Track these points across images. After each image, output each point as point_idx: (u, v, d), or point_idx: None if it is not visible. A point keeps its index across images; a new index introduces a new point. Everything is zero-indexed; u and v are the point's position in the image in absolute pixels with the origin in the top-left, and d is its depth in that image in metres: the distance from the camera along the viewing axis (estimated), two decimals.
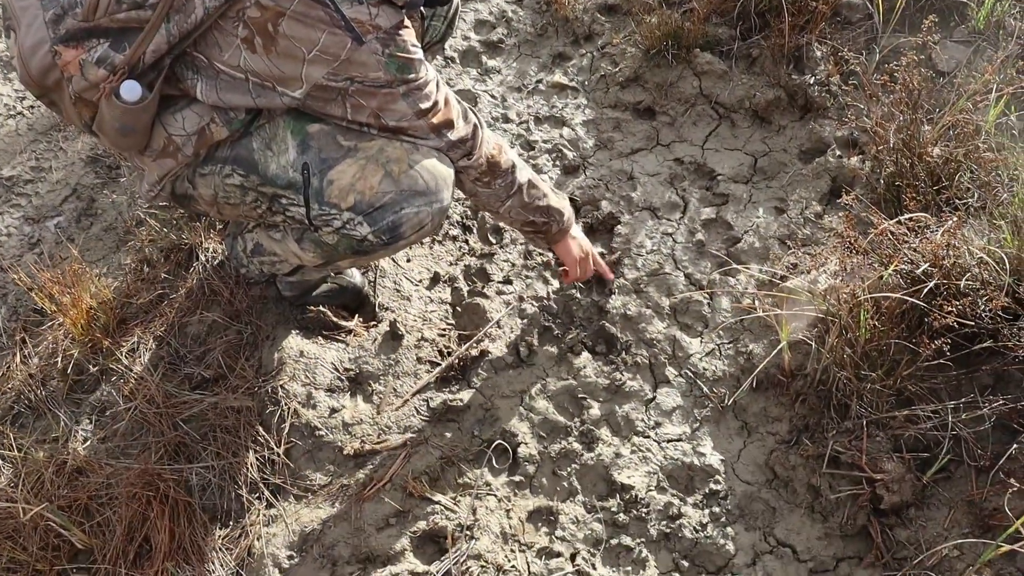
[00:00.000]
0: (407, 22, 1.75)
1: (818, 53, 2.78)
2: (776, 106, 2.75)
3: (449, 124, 1.86)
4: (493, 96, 2.99)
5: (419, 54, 1.77)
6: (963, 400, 1.91)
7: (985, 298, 1.90)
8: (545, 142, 2.81)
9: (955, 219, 2.03)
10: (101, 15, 1.65)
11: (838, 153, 2.56)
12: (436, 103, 1.83)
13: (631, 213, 2.56)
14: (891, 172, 2.34)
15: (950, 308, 1.86)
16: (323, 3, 1.62)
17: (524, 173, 2.07)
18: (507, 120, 2.91)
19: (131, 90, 1.67)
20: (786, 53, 2.81)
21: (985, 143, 2.33)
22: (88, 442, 2.19)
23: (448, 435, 2.13)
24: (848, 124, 2.55)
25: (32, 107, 3.24)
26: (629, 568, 1.90)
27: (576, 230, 2.27)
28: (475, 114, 1.97)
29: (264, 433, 2.12)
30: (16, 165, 3.03)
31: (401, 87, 1.76)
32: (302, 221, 1.88)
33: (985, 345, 1.91)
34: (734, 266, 2.36)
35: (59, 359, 2.32)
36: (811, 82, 2.73)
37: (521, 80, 3.03)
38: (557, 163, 2.76)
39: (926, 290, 1.90)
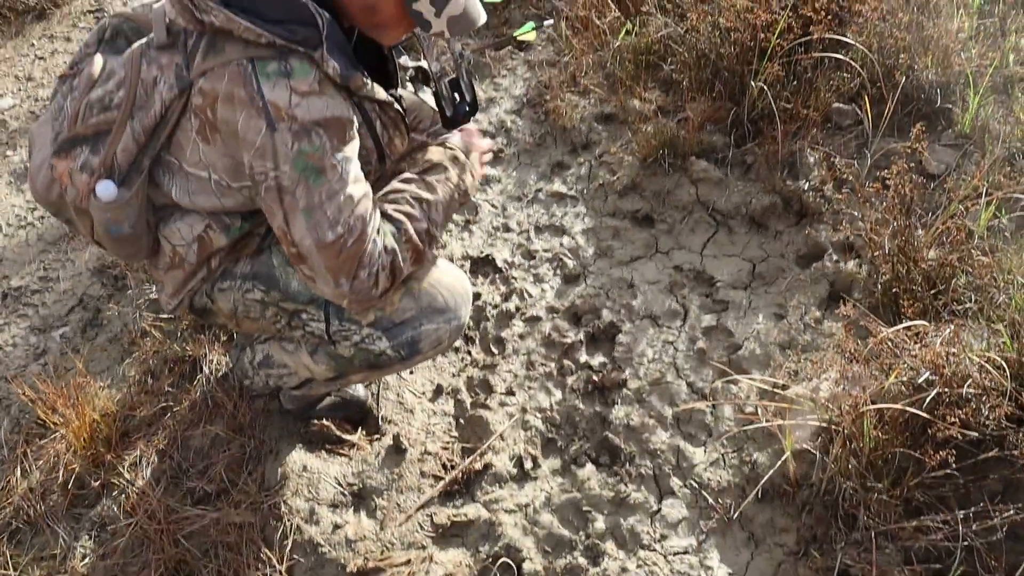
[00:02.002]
0: (347, 123, 1.64)
1: (811, 159, 2.84)
2: (772, 212, 2.80)
3: (350, 272, 1.67)
4: (494, 205, 3.04)
5: (342, 166, 1.62)
6: (973, 509, 1.89)
7: (989, 405, 1.90)
8: (546, 251, 2.85)
9: (953, 327, 2.05)
10: (80, 124, 1.74)
11: (835, 258, 2.60)
12: (341, 238, 1.63)
13: (632, 321, 2.58)
14: (888, 279, 2.37)
15: (953, 419, 1.86)
16: (248, 82, 1.56)
17: (425, 218, 1.81)
18: (508, 229, 2.95)
19: (106, 189, 1.72)
20: (780, 159, 2.87)
21: (979, 247, 2.37)
22: (87, 559, 2.17)
23: (452, 551, 2.11)
24: (843, 231, 2.59)
25: (43, 217, 3.31)
26: None
27: (456, 140, 2.00)
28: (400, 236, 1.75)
29: (266, 550, 2.10)
30: (25, 275, 3.08)
31: (302, 197, 1.61)
32: (321, 336, 1.91)
33: (992, 454, 1.90)
34: (735, 376, 2.36)
35: (60, 473, 2.32)
36: (805, 188, 2.78)
37: (521, 189, 3.09)
38: (558, 272, 2.79)
39: (929, 399, 1.91)
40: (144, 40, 1.72)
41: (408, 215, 1.76)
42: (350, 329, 1.87)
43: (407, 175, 1.82)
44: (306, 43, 1.57)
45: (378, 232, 1.70)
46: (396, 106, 1.81)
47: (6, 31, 4.63)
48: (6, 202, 3.42)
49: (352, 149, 1.66)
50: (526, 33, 2.02)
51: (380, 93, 1.73)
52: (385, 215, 1.76)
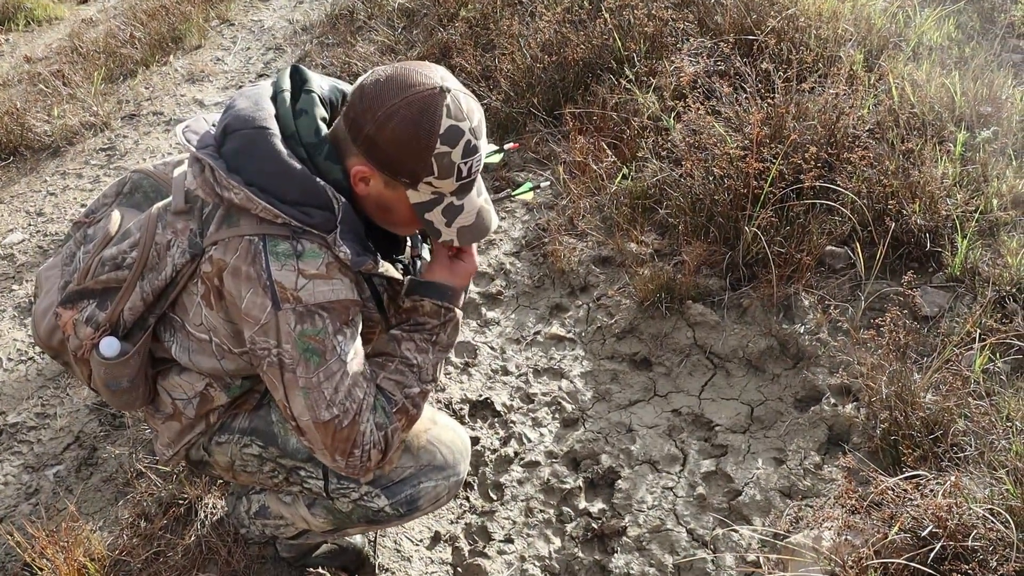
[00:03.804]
0: (351, 305, 1.66)
1: (806, 302, 2.89)
2: (769, 355, 2.83)
3: (344, 452, 1.68)
4: (492, 348, 3.07)
5: (341, 347, 1.64)
6: None
7: (996, 558, 1.87)
8: (544, 395, 2.86)
9: (954, 478, 2.04)
10: (89, 279, 1.77)
11: (833, 401, 2.60)
12: (336, 418, 1.64)
13: (631, 467, 2.57)
14: (886, 427, 2.37)
15: (960, 574, 1.83)
16: (256, 259, 1.60)
17: (416, 381, 1.79)
18: (507, 372, 2.97)
19: (109, 346, 1.74)
20: (775, 303, 2.92)
21: (975, 392, 2.38)
22: None
23: None
24: (840, 376, 2.61)
25: (43, 353, 3.32)
26: None
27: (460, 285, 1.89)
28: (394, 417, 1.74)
29: None
30: (22, 411, 3.07)
31: (301, 376, 1.63)
32: (319, 493, 1.90)
33: None
34: (735, 527, 2.33)
35: None
36: (801, 331, 2.82)
37: (520, 331, 3.13)
38: (556, 416, 2.79)
39: (933, 553, 1.88)
40: (162, 204, 1.77)
41: (399, 383, 1.76)
42: (348, 487, 1.86)
43: (396, 332, 1.81)
44: (320, 227, 1.61)
45: (372, 410, 1.70)
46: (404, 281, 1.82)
47: (21, 167, 4.78)
48: (8, 336, 3.45)
49: (353, 330, 1.68)
50: (524, 194, 2.08)
51: (391, 272, 1.75)
52: (382, 391, 1.75)
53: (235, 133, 1.64)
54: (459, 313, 1.85)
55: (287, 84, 1.72)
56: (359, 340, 1.70)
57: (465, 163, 1.62)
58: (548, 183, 2.64)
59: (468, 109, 1.61)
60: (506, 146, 2.30)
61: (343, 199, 1.64)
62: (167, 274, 1.70)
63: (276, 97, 1.70)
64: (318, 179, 1.62)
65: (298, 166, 1.61)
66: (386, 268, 1.73)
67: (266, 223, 1.61)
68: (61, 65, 5.76)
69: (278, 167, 1.61)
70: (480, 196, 1.74)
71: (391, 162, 1.60)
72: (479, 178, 1.73)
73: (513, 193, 2.09)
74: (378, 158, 1.61)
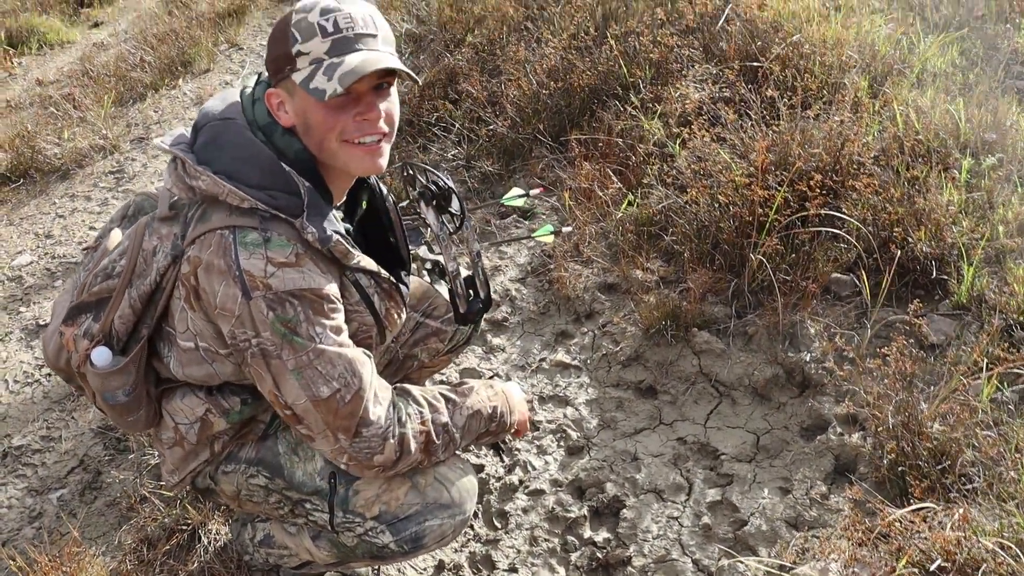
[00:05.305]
0: (324, 297, 1.63)
1: (811, 330, 2.88)
2: (775, 383, 2.82)
3: (348, 430, 1.67)
4: (498, 375, 3.06)
5: (321, 337, 1.62)
6: None
7: None
8: (549, 422, 2.85)
9: (962, 510, 2.03)
10: (85, 292, 1.80)
11: (839, 430, 2.59)
12: (338, 392, 1.63)
13: (636, 496, 2.55)
14: (893, 457, 2.36)
15: None
16: (227, 252, 1.60)
17: (448, 414, 1.84)
18: None
19: (100, 355, 1.75)
20: (781, 331, 2.91)
21: (982, 422, 2.37)
22: None
23: None
24: (846, 406, 2.60)
25: (49, 375, 3.34)
26: None
27: (518, 398, 2.08)
28: (403, 411, 1.76)
29: None
30: (27, 434, 3.08)
31: (290, 359, 1.62)
32: (324, 526, 1.89)
33: None
34: (740, 558, 2.32)
35: None
36: (807, 359, 2.81)
37: (525, 358, 3.12)
38: (561, 444, 2.78)
39: None
40: (152, 213, 1.80)
41: (431, 405, 1.80)
42: (354, 521, 1.84)
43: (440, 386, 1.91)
44: (286, 210, 1.62)
45: (392, 406, 1.73)
46: (390, 277, 1.81)
47: (31, 190, 4.82)
48: (15, 358, 3.46)
49: (332, 323, 1.65)
50: (544, 235, 2.10)
51: (368, 263, 1.74)
52: (410, 395, 1.80)
53: (204, 127, 1.69)
54: (510, 394, 2.01)
55: (252, 82, 1.77)
56: (346, 334, 1.69)
57: (325, 19, 1.59)
58: (569, 229, 2.66)
59: None
60: (531, 192, 2.32)
61: (307, 183, 1.65)
62: (152, 279, 1.71)
63: (242, 95, 1.75)
64: (283, 164, 1.64)
65: (265, 150, 1.65)
66: (364, 260, 1.73)
67: (236, 213, 1.62)
68: (72, 88, 5.82)
69: (244, 152, 1.64)
70: (368, 58, 1.60)
71: (273, 60, 1.64)
72: (382, 51, 1.64)
73: (535, 234, 2.11)
74: (270, 70, 1.66)
